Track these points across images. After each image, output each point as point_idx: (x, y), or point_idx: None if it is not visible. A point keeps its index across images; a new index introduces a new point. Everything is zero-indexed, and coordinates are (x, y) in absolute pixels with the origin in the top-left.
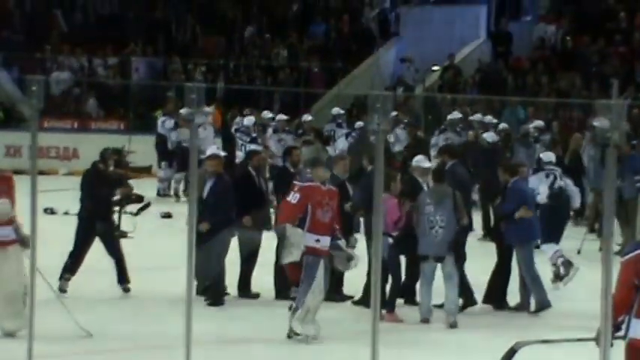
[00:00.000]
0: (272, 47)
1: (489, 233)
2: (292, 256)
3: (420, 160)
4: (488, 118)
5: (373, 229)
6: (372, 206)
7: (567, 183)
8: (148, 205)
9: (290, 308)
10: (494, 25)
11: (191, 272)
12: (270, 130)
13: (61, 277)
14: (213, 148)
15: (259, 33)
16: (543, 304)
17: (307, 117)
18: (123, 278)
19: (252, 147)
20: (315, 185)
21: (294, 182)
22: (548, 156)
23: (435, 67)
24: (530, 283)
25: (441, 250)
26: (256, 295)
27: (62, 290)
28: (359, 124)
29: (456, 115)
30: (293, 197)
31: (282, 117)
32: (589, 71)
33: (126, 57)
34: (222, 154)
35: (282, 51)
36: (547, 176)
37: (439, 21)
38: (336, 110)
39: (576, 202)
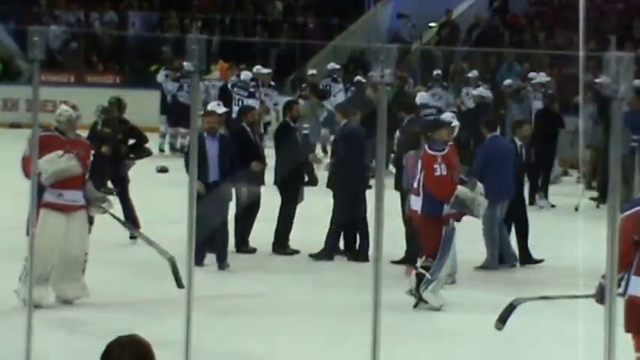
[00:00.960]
0: (268, 2)
1: None
2: (482, 208)
3: (446, 118)
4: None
5: (376, 198)
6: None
7: None
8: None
9: (419, 279)
10: None
11: (192, 231)
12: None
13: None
14: (214, 104)
15: None
16: (490, 265)
17: (312, 71)
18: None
19: (250, 102)
20: (448, 151)
21: (430, 152)
22: None
23: (432, 24)
24: (486, 241)
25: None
26: (253, 250)
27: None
28: (358, 78)
29: (438, 71)
30: (441, 169)
31: (261, 70)
32: (587, 28)
33: (123, 12)
34: (221, 110)
35: (278, 4)
36: None
37: None
38: (331, 65)
39: None
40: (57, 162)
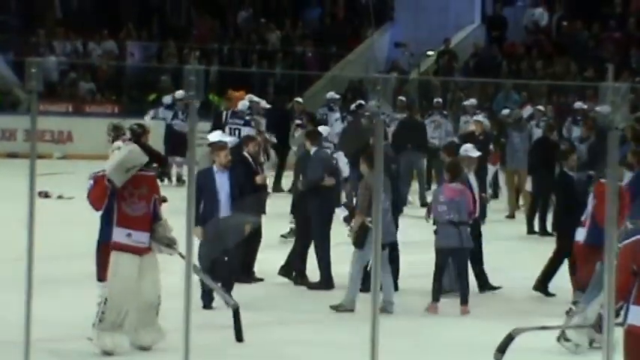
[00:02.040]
0: (266, 31)
1: None
2: None
3: (468, 150)
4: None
5: (373, 221)
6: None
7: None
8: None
9: (568, 312)
10: (489, 10)
11: (190, 265)
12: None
13: None
14: (217, 134)
15: (254, 17)
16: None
17: (298, 99)
18: None
19: (246, 130)
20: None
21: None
22: None
23: (430, 52)
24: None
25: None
26: (260, 280)
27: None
28: (356, 104)
29: (438, 99)
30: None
31: (253, 98)
32: (584, 56)
33: (121, 41)
34: (233, 142)
35: (275, 34)
36: None
37: (434, 5)
38: (330, 95)
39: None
40: (117, 154)
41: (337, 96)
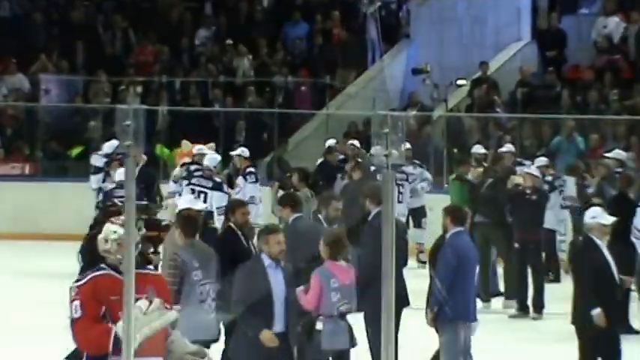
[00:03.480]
0: (234, 57)
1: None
2: None
3: (597, 215)
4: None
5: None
6: None
7: None
8: None
9: None
10: (542, 22)
11: None
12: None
13: None
14: (188, 199)
15: (216, 37)
16: None
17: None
18: None
19: (217, 197)
20: None
21: None
22: None
23: (461, 81)
24: None
25: None
26: None
27: None
28: (327, 146)
29: (479, 149)
30: None
31: (245, 153)
32: None
33: (33, 75)
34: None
35: (247, 61)
36: None
37: (465, 18)
38: (331, 142)
39: None
40: (147, 321)
41: (334, 142)
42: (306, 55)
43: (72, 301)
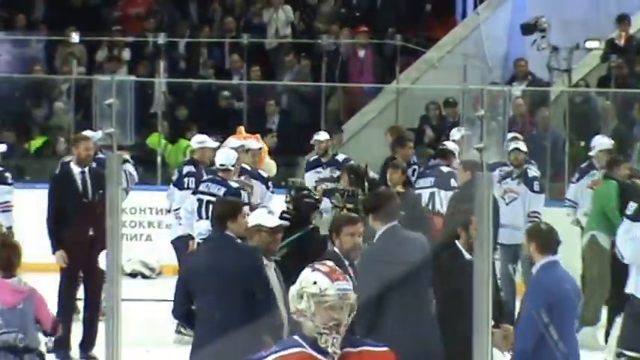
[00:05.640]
0: (263, 8)
1: None
2: None
3: None
4: None
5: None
6: None
7: None
8: None
9: None
10: None
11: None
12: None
13: None
14: (262, 211)
15: None
16: None
17: (322, 136)
18: None
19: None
20: None
21: None
22: None
23: (591, 44)
24: None
25: None
26: None
27: None
28: (444, 146)
29: (603, 142)
30: None
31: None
32: None
33: None
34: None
35: (282, 15)
36: None
37: None
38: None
39: None
40: None
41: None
42: (368, 5)
43: None
